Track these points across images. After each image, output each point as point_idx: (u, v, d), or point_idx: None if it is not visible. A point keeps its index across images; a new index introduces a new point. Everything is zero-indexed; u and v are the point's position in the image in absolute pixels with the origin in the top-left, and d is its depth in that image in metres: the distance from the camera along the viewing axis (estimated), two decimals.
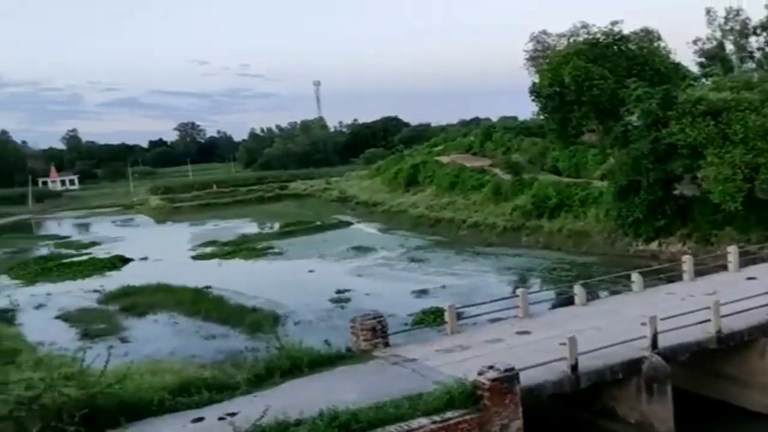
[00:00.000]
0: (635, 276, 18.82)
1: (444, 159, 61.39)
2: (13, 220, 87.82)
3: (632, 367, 13.34)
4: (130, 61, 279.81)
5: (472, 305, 17.95)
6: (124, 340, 23.90)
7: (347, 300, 28.05)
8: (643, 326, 13.70)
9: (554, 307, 19.25)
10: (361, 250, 40.85)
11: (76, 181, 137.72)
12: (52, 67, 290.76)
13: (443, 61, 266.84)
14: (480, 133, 67.46)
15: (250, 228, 58.48)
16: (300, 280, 33.07)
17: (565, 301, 19.66)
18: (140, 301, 29.47)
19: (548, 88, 47.69)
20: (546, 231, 38.24)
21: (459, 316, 16.24)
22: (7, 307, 30.37)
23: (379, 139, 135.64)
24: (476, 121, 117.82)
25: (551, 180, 43.41)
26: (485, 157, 59.84)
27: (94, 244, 53.64)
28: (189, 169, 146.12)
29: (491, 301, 18.01)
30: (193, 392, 12.19)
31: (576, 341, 12.85)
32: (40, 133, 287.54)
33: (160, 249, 47.71)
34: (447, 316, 16.00)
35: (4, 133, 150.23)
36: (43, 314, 29.51)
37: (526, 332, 15.53)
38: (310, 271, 35.73)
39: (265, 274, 36.33)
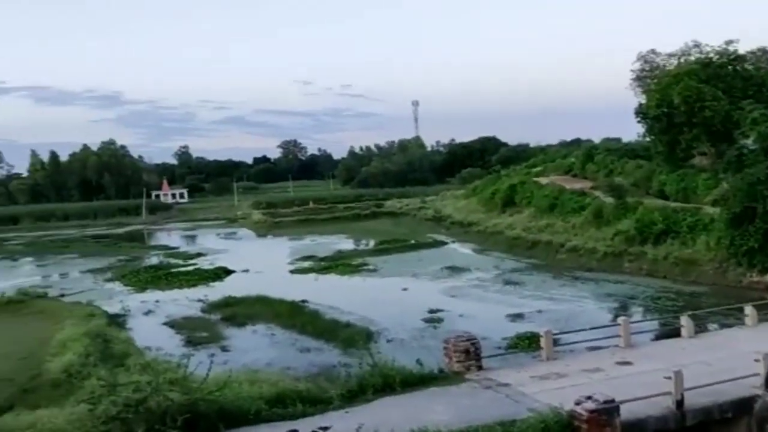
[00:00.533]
0: (748, 309, 17.89)
1: (543, 180, 59.89)
2: (129, 230, 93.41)
3: (743, 405, 12.58)
4: (239, 81, 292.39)
5: (570, 332, 17.76)
6: (224, 349, 24.41)
7: (440, 320, 27.62)
8: (757, 363, 12.95)
9: (658, 338, 18.63)
10: (455, 270, 40.32)
11: (185, 195, 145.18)
12: (168, 87, 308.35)
13: (543, 81, 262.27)
14: (581, 155, 65.45)
15: (347, 244, 59.04)
16: (393, 298, 32.92)
17: (670, 332, 18.80)
18: (240, 311, 30.09)
19: (656, 109, 45.79)
20: (650, 258, 36.45)
21: (555, 343, 15.81)
22: (119, 312, 31.72)
23: (476, 159, 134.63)
24: (577, 142, 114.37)
25: (657, 204, 41.49)
26: (586, 179, 58.01)
27: (199, 255, 55.77)
28: (290, 185, 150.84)
29: (590, 329, 17.43)
30: (288, 404, 12.30)
31: (682, 375, 12.23)
32: (156, 149, 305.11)
33: (260, 262, 48.80)
34: (543, 342, 15.56)
35: (123, 148, 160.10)
36: (152, 320, 30.65)
37: (627, 363, 14.90)
38: (404, 289, 35.57)
39: (360, 290, 36.42)
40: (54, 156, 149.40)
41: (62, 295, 36.76)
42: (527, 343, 21.08)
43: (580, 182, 56.31)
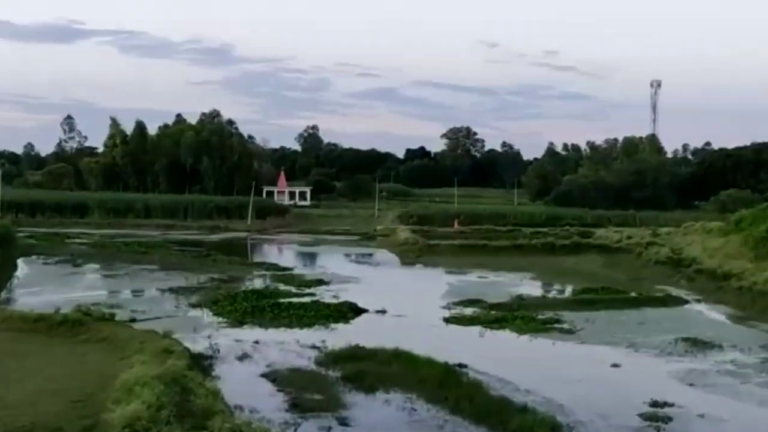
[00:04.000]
0: None
1: None
2: (227, 236, 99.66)
3: None
4: (393, 39, 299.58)
5: None
6: (342, 422, 24.76)
7: (668, 419, 26.42)
8: None
9: None
10: (698, 345, 38.70)
11: (308, 195, 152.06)
12: (296, 43, 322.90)
13: None
14: None
15: (530, 287, 58.81)
16: (596, 377, 32.25)
17: None
18: (370, 369, 30.29)
19: None
20: None
21: None
22: (205, 353, 33.02)
23: (745, 176, 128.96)
24: None
25: None
26: None
27: (320, 282, 57.48)
28: (455, 192, 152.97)
29: None
30: None
31: None
32: (273, 128, 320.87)
33: (403, 300, 49.73)
34: None
35: (231, 123, 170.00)
36: (247, 368, 31.64)
37: None
38: (614, 365, 34.53)
39: (546, 358, 35.99)
40: (140, 127, 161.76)
41: (133, 320, 38.61)
42: None
43: None
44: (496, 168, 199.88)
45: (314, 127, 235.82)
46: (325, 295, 51.26)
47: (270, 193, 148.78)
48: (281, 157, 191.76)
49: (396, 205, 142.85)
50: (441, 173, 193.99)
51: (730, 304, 51.64)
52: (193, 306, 46.02)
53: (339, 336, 37.29)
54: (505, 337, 40.59)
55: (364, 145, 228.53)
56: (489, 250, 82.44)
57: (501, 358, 34.17)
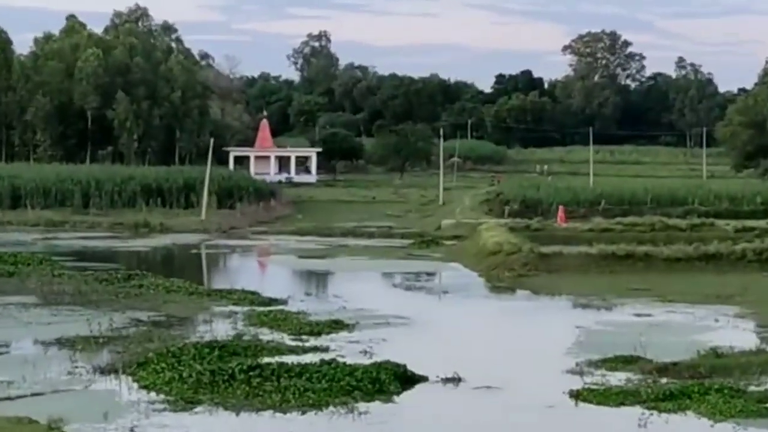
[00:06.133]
0: None
1: None
2: (166, 243, 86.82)
3: None
4: None
5: None
6: None
7: None
8: None
9: None
10: None
11: (314, 163, 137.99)
12: None
13: None
14: None
15: (735, 333, 50.58)
16: None
17: None
18: None
19: None
20: None
21: None
22: None
23: None
24: None
25: None
26: None
27: (336, 326, 48.97)
28: (589, 154, 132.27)
29: None
30: None
31: None
32: (246, 38, 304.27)
33: (494, 359, 43.05)
34: None
35: (168, 30, 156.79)
36: None
37: None
38: None
39: None
40: None
41: None
42: None
43: None
44: (664, 109, 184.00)
45: (323, 36, 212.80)
46: (348, 349, 42.94)
47: (241, 161, 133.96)
48: (262, 93, 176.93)
49: (479, 180, 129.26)
50: (562, 120, 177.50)
51: None
52: (103, 372, 38.51)
53: (373, 429, 31.90)
54: (685, 423, 34.08)
55: (416, 70, 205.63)
56: (655, 263, 69.33)
57: None
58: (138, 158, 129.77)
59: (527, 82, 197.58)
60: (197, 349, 40.32)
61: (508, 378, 38.27)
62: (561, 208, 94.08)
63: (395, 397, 35.34)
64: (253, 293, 59.57)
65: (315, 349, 42.89)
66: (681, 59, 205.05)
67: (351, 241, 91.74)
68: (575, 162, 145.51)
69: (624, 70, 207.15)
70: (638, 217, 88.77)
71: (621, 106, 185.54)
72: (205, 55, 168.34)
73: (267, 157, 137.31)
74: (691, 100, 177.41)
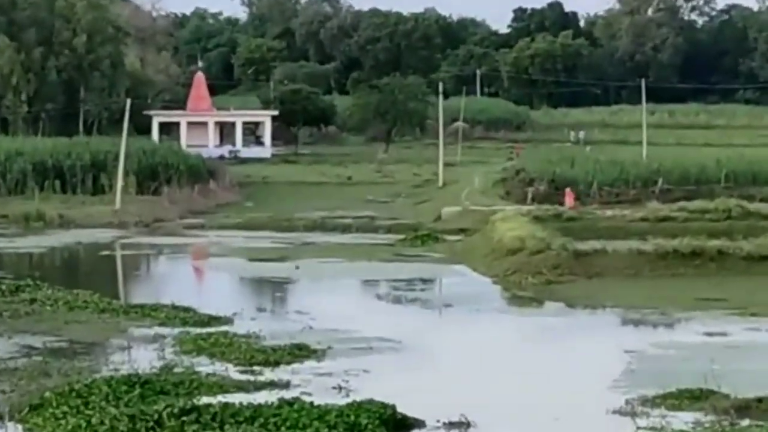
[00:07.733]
0: None
1: None
2: (68, 241, 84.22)
3: None
4: None
5: None
6: None
7: None
8: None
9: None
10: None
11: (267, 132, 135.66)
12: None
13: None
14: None
15: None
16: None
17: None
18: None
19: None
20: None
21: None
22: None
23: None
24: None
25: None
26: None
27: (299, 353, 45.19)
28: (642, 116, 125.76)
29: None
30: None
31: None
32: None
33: (517, 396, 40.53)
34: None
35: None
36: None
37: None
38: None
39: None
40: None
41: None
42: None
43: None
44: (743, 53, 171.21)
45: None
46: (316, 385, 40.04)
47: (169, 129, 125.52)
48: (197, 36, 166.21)
49: (492, 153, 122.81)
50: (604, 70, 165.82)
51: None
52: None
53: None
54: None
55: (406, 3, 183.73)
56: (732, 263, 64.87)
57: None
58: (28, 127, 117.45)
59: (557, 18, 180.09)
60: (111, 387, 37.13)
61: (535, 423, 35.70)
62: (567, 191, 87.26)
63: None
64: (186, 309, 55.47)
65: (271, 384, 39.85)
66: None
67: (319, 238, 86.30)
68: (622, 127, 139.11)
69: (688, 1, 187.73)
70: (709, 201, 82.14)
71: (684, 51, 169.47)
72: None
73: (204, 124, 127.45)
74: None
